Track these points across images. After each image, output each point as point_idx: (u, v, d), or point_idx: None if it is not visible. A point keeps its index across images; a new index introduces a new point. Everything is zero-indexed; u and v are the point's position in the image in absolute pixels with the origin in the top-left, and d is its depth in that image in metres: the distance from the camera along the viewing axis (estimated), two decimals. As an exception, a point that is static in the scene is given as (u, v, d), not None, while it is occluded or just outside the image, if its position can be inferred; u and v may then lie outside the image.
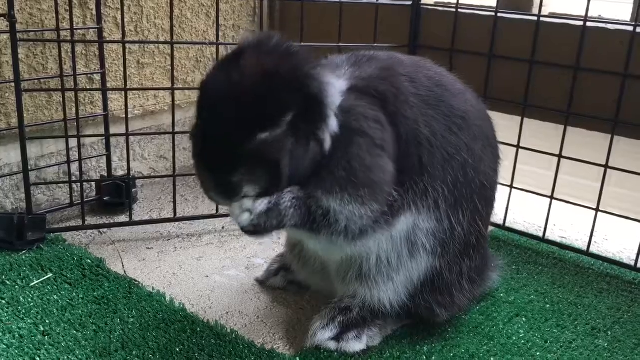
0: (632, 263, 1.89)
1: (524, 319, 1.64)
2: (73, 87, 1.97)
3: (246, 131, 1.20)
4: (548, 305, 1.70)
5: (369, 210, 1.31)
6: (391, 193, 1.33)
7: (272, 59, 1.24)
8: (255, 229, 1.30)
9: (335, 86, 1.29)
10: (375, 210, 1.32)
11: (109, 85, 2.09)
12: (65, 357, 1.40)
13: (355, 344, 1.46)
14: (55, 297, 1.61)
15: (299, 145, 1.24)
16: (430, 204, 1.39)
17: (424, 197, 1.39)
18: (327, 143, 1.27)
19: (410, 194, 1.37)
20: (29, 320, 1.51)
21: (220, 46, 2.03)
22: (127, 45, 2.07)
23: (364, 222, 1.33)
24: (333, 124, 1.28)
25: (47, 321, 1.52)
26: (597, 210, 1.91)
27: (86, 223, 2.00)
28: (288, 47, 1.27)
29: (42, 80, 1.96)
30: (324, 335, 1.46)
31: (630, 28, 1.80)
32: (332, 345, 1.46)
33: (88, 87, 2.07)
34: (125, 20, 1.97)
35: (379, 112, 1.33)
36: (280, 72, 1.22)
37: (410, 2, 2.16)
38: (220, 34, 2.32)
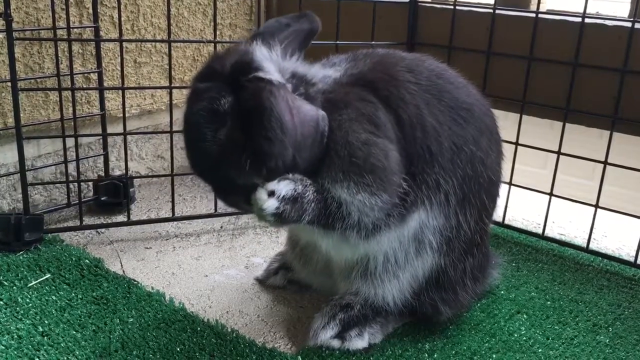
0: (632, 259, 1.89)
1: (525, 316, 1.63)
2: (70, 87, 1.96)
3: (209, 137, 1.24)
4: (549, 302, 1.70)
5: (379, 200, 1.28)
6: (401, 184, 1.30)
7: (200, 71, 1.31)
8: (278, 218, 1.26)
9: (262, 51, 1.27)
10: (385, 200, 1.29)
11: (105, 84, 2.08)
12: (65, 358, 1.38)
13: (357, 342, 1.45)
14: (54, 297, 1.60)
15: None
16: (442, 200, 1.38)
17: (437, 192, 1.36)
18: (275, 77, 1.24)
19: (424, 188, 1.35)
20: (27, 321, 1.50)
21: (217, 45, 2.02)
22: (124, 44, 2.06)
23: (376, 213, 1.30)
24: (273, 71, 1.25)
25: (45, 322, 1.50)
26: (596, 206, 1.91)
27: (84, 223, 1.99)
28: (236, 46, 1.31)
29: (38, 80, 1.94)
30: (325, 335, 1.45)
31: (629, 24, 1.80)
32: (334, 343, 1.45)
33: (85, 87, 2.06)
34: (122, 19, 1.95)
35: (369, 94, 1.31)
36: (215, 69, 1.27)
37: (407, 0, 2.16)
38: (217, 32, 2.31)
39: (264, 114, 1.17)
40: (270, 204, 1.23)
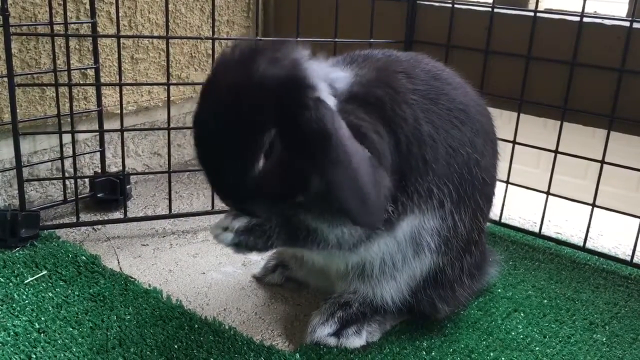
0: (628, 258, 1.90)
1: (522, 314, 1.64)
2: (67, 82, 1.95)
3: (237, 171, 1.14)
4: (546, 301, 1.71)
5: (359, 227, 1.30)
6: (386, 209, 1.29)
7: (237, 76, 1.11)
8: (239, 247, 1.28)
9: (313, 66, 1.15)
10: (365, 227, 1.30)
11: (102, 80, 2.07)
12: (62, 355, 1.38)
13: (354, 340, 1.45)
14: (50, 294, 1.59)
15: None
16: (435, 204, 1.37)
17: (429, 199, 1.36)
18: (330, 102, 1.15)
19: (415, 198, 1.34)
20: (24, 318, 1.49)
21: (215, 41, 2.01)
22: (121, 40, 2.04)
23: (355, 239, 1.32)
24: (324, 89, 1.15)
25: (42, 318, 1.50)
26: (593, 205, 1.92)
27: (80, 220, 1.98)
28: (253, 53, 1.12)
29: (35, 75, 1.93)
30: (323, 331, 1.45)
31: (627, 23, 1.81)
32: (332, 341, 1.45)
33: (82, 83, 2.05)
34: (119, 14, 1.94)
35: (377, 121, 1.26)
36: (247, 86, 1.09)
37: (406, -2, 2.16)
38: (215, 29, 2.30)
39: (330, 141, 1.09)
40: (226, 237, 1.26)
